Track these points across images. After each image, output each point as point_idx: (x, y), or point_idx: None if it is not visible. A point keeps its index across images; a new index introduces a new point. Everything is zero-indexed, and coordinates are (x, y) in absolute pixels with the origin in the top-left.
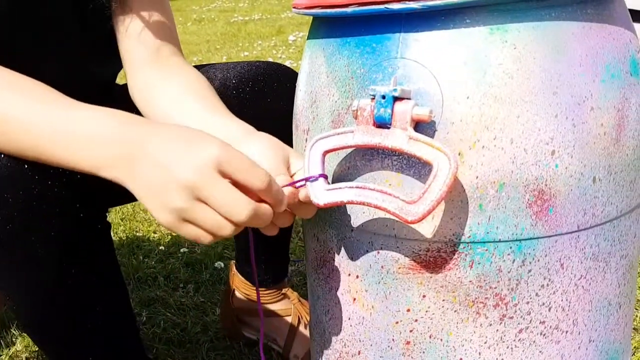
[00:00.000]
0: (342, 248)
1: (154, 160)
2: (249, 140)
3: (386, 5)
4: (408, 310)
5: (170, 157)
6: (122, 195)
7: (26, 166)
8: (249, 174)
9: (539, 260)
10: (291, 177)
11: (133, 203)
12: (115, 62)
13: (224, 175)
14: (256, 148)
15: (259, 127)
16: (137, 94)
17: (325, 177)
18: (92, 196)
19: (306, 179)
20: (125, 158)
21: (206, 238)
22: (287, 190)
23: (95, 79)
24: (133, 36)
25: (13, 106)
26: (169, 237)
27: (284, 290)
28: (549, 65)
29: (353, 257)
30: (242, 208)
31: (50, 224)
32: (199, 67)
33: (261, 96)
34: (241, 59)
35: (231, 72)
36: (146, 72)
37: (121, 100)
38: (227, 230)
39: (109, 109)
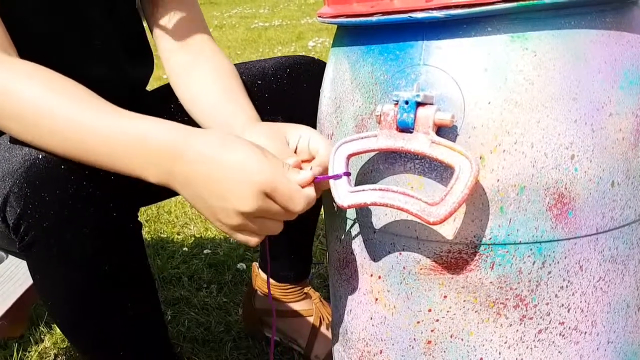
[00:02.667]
0: (365, 249)
1: (210, 187)
2: (252, 130)
3: (410, 15)
4: (429, 311)
5: (225, 186)
6: (153, 194)
7: (63, 167)
8: (289, 202)
9: (558, 262)
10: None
11: (157, 205)
12: (147, 64)
13: (269, 197)
14: (259, 137)
15: (295, 110)
16: (172, 79)
17: (349, 174)
18: (125, 195)
19: (331, 177)
20: (180, 175)
21: (255, 242)
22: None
23: (129, 79)
24: (166, 26)
25: (66, 111)
26: (192, 238)
27: (306, 290)
28: (569, 71)
29: (375, 258)
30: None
31: (84, 222)
32: (240, 64)
33: (297, 83)
34: None
35: (269, 62)
36: (178, 59)
37: (151, 104)
38: (274, 230)
39: (159, 121)
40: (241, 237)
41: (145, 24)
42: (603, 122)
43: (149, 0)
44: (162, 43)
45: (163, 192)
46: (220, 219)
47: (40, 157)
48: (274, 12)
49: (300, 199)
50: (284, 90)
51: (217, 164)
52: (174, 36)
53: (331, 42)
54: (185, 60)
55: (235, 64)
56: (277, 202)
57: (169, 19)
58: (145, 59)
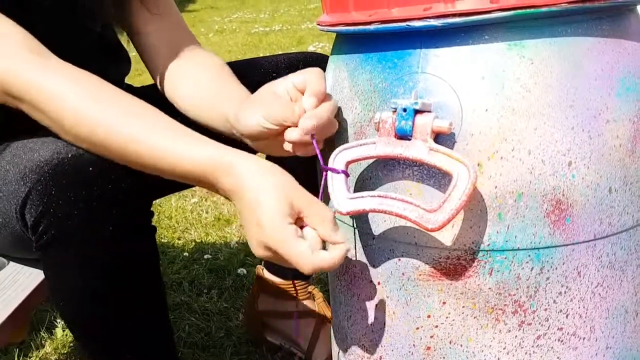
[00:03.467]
0: (364, 255)
1: (243, 216)
2: (246, 107)
3: (408, 23)
4: (428, 317)
5: (247, 224)
6: (168, 188)
7: (91, 168)
8: (295, 264)
9: (556, 268)
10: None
11: (158, 210)
12: (124, 66)
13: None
14: (255, 116)
15: None
16: (165, 86)
17: (347, 175)
18: (142, 195)
19: (328, 169)
20: (231, 197)
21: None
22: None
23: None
24: (151, 34)
25: (133, 130)
26: (193, 243)
27: (310, 289)
28: (566, 79)
29: (374, 264)
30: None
31: (105, 225)
32: (250, 60)
33: None
34: None
35: (281, 57)
36: (166, 64)
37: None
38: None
39: (215, 148)
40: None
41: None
42: (600, 129)
43: (131, 13)
44: (148, 50)
45: (177, 186)
46: (252, 248)
47: (70, 155)
48: (274, 17)
49: (304, 265)
50: None
51: (246, 200)
52: (161, 45)
53: (331, 47)
54: (173, 66)
55: (247, 59)
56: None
57: (154, 30)
58: (122, 60)
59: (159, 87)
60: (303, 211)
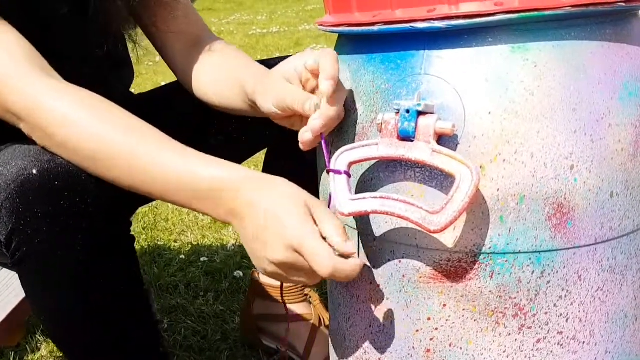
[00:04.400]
0: (364, 257)
1: (251, 233)
2: (261, 91)
3: (411, 25)
4: (428, 319)
5: (262, 234)
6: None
7: (57, 182)
8: (313, 263)
9: (557, 272)
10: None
11: (154, 212)
12: (128, 76)
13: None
14: (267, 103)
15: None
16: (183, 75)
17: (349, 175)
18: (117, 209)
19: (331, 170)
20: (233, 218)
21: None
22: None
23: (116, 88)
24: (168, 31)
25: (134, 149)
26: (189, 246)
27: (306, 291)
28: (569, 82)
29: (375, 265)
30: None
31: (76, 239)
32: (266, 60)
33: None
34: None
35: (282, 60)
36: (185, 59)
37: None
38: (311, 282)
39: (224, 168)
40: (280, 278)
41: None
42: (602, 133)
43: (147, 10)
44: (166, 47)
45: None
46: (256, 263)
47: (35, 171)
48: (272, 19)
49: (323, 264)
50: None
51: (262, 213)
52: (179, 38)
53: (329, 48)
54: (188, 54)
55: (263, 60)
56: (305, 259)
57: (171, 23)
58: (126, 68)
59: (178, 77)
60: (317, 219)
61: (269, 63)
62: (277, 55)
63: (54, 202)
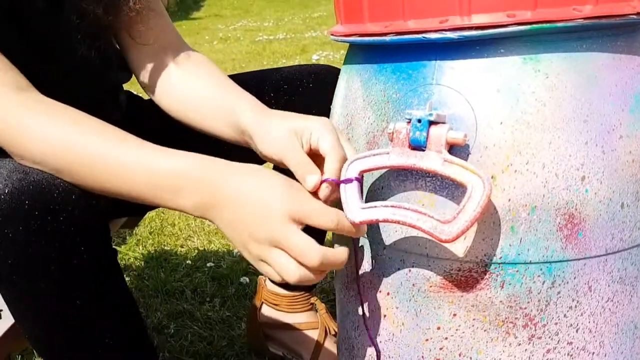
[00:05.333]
0: (374, 265)
1: (233, 216)
2: (266, 124)
3: (424, 35)
4: (438, 328)
5: (246, 216)
6: (126, 211)
7: (27, 202)
8: (320, 219)
9: (568, 283)
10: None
11: (161, 217)
12: (122, 74)
13: (297, 222)
14: (271, 148)
15: (321, 112)
16: (161, 97)
17: (360, 181)
18: (94, 226)
19: (341, 181)
20: (211, 207)
21: (276, 277)
22: (325, 189)
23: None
24: (143, 46)
25: (97, 148)
26: (196, 251)
27: (312, 300)
28: (580, 94)
29: (384, 274)
30: (312, 257)
31: (50, 258)
32: (259, 71)
33: (322, 87)
34: None
35: (293, 69)
36: (164, 75)
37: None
38: (293, 276)
39: (188, 156)
40: (264, 269)
41: None
42: (613, 144)
43: (122, 29)
44: (140, 60)
45: (130, 210)
46: (244, 247)
47: (7, 191)
48: (278, 26)
49: (330, 216)
50: (310, 93)
51: (245, 195)
52: (154, 55)
53: (335, 55)
54: (167, 72)
55: (258, 70)
56: (307, 223)
57: (145, 35)
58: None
59: (146, 90)
60: (298, 202)
61: (270, 74)
62: (284, 61)
63: (23, 223)
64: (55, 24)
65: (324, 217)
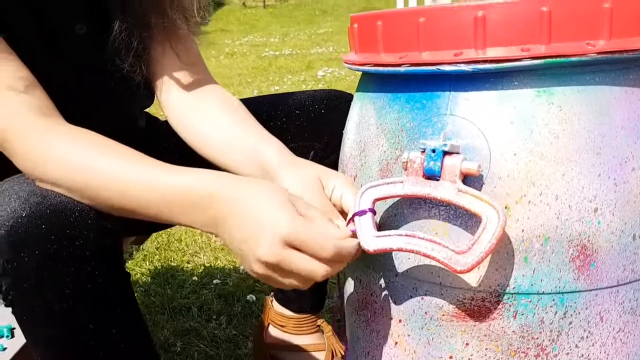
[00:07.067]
0: (386, 292)
1: (236, 235)
2: (290, 172)
3: (438, 67)
4: (450, 357)
5: (246, 236)
6: (138, 230)
7: (44, 226)
8: (315, 248)
9: (579, 313)
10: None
11: (168, 232)
12: (145, 99)
13: (294, 248)
14: (297, 184)
15: (332, 137)
16: (178, 123)
17: (374, 212)
18: (108, 250)
19: (355, 214)
20: (216, 224)
21: (288, 287)
22: (353, 242)
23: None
24: (166, 69)
25: (115, 170)
26: (202, 267)
27: (319, 322)
28: (593, 126)
29: (397, 301)
30: (317, 274)
31: (65, 282)
32: (273, 96)
33: (334, 113)
34: (271, 92)
35: (306, 94)
36: (183, 102)
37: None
38: (303, 284)
39: (199, 173)
40: (272, 282)
41: None
42: (626, 176)
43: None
44: (163, 90)
45: (141, 229)
46: (247, 267)
47: (24, 214)
48: (284, 41)
49: (327, 246)
50: (321, 119)
51: (249, 211)
52: (176, 81)
53: (340, 72)
54: (189, 102)
55: (269, 95)
56: (303, 250)
57: (170, 65)
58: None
59: (170, 121)
60: (301, 213)
61: (283, 99)
62: (289, 77)
63: (40, 246)
64: (98, 46)
65: (319, 247)
